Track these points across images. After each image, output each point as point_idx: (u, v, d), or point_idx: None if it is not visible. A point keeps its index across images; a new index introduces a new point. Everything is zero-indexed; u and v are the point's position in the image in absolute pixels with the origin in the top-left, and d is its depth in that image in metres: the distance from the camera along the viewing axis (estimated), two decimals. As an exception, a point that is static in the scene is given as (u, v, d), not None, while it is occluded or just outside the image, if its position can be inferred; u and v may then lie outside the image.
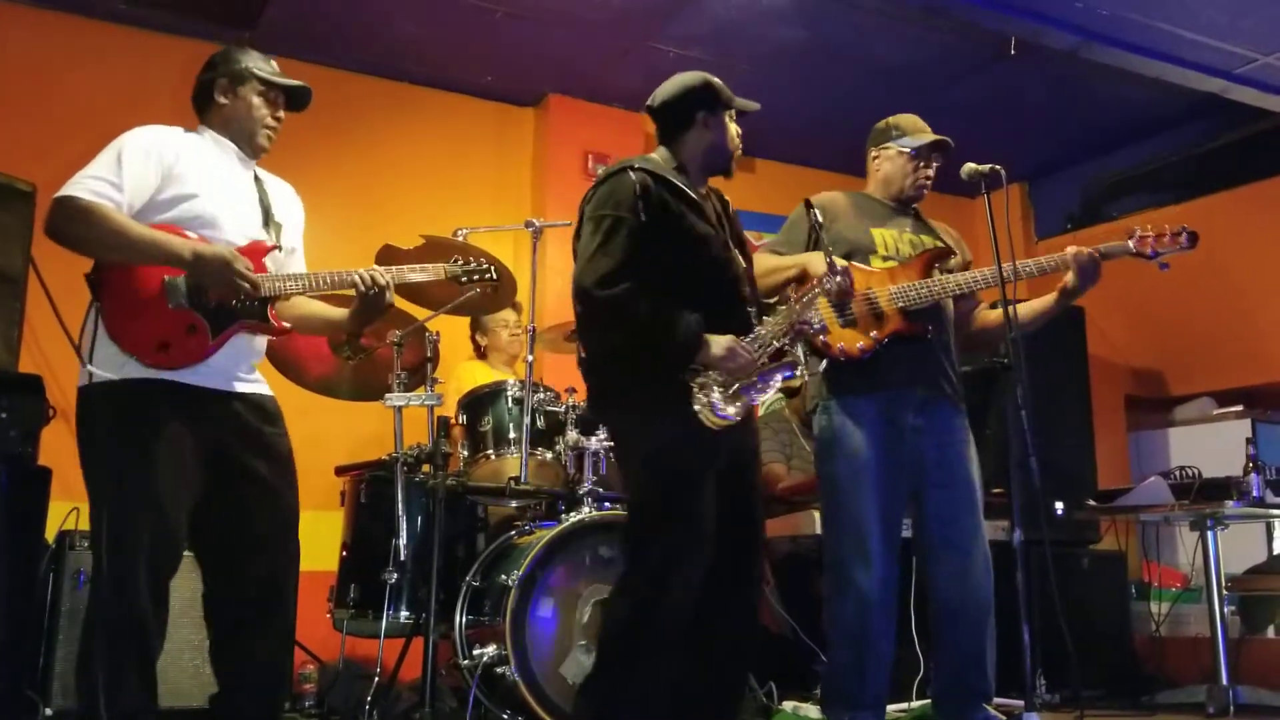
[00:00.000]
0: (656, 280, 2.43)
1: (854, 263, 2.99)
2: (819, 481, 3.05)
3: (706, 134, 2.62)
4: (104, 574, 2.29)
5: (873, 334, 2.94)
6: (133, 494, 2.28)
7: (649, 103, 2.69)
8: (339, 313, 2.67)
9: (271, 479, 2.46)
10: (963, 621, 2.94)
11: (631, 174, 2.50)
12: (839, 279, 2.56)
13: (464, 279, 2.76)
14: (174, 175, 2.40)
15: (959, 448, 3.00)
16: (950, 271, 3.06)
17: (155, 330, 2.34)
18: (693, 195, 2.55)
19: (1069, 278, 2.98)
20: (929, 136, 3.13)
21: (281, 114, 2.62)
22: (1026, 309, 3.12)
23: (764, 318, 2.55)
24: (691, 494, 2.41)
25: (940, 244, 3.11)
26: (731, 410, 2.41)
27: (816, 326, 2.95)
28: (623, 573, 2.51)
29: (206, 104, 2.58)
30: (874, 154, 3.21)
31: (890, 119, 3.20)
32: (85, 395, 2.36)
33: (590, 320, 2.53)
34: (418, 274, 2.65)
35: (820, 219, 2.81)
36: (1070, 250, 2.97)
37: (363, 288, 2.51)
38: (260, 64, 2.59)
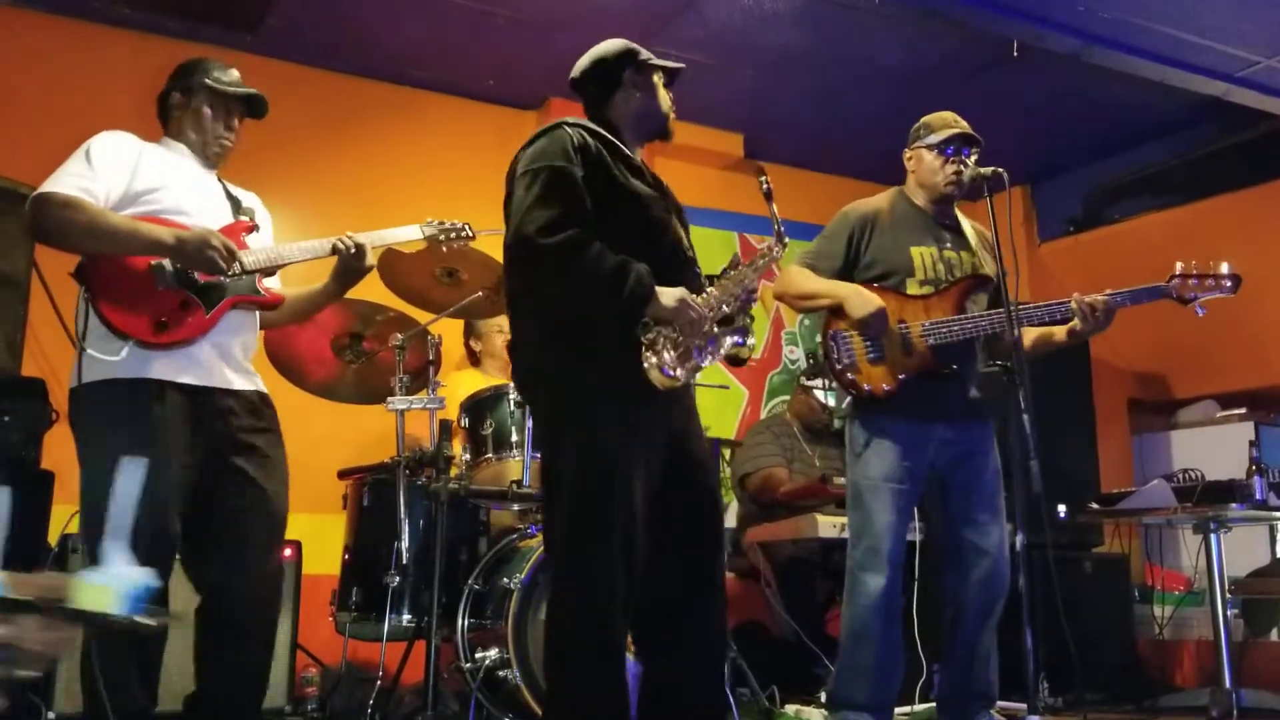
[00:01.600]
0: (596, 235, 2.26)
1: (890, 288, 3.01)
2: (846, 489, 3.08)
3: (635, 95, 2.51)
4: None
5: (900, 375, 2.96)
6: None
7: (571, 75, 2.57)
8: (319, 284, 2.72)
9: (262, 481, 2.46)
10: (976, 625, 2.96)
11: (567, 129, 2.38)
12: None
13: (441, 238, 2.77)
14: (140, 171, 2.44)
15: (983, 456, 3.03)
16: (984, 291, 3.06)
17: (149, 310, 2.36)
18: (630, 154, 2.45)
19: (1077, 323, 2.97)
20: (952, 130, 3.09)
21: (236, 123, 2.64)
22: (1032, 338, 3.09)
23: (714, 280, 2.43)
24: (623, 484, 2.23)
25: (977, 270, 3.08)
26: (680, 371, 2.24)
27: (845, 362, 2.97)
28: (554, 576, 2.33)
29: (166, 116, 2.64)
30: (908, 155, 3.19)
31: (924, 118, 3.18)
32: (76, 396, 2.36)
33: (533, 273, 2.32)
34: (393, 235, 2.69)
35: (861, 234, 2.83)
36: (1084, 300, 2.92)
37: (341, 248, 2.60)
38: (216, 75, 2.61)
